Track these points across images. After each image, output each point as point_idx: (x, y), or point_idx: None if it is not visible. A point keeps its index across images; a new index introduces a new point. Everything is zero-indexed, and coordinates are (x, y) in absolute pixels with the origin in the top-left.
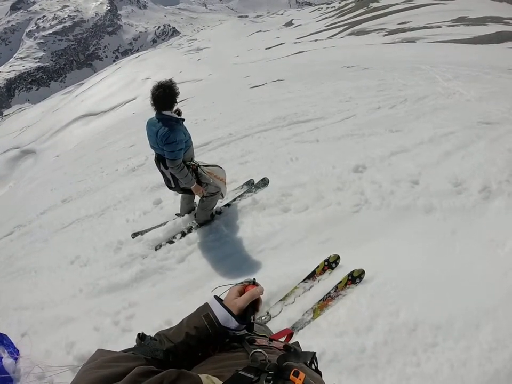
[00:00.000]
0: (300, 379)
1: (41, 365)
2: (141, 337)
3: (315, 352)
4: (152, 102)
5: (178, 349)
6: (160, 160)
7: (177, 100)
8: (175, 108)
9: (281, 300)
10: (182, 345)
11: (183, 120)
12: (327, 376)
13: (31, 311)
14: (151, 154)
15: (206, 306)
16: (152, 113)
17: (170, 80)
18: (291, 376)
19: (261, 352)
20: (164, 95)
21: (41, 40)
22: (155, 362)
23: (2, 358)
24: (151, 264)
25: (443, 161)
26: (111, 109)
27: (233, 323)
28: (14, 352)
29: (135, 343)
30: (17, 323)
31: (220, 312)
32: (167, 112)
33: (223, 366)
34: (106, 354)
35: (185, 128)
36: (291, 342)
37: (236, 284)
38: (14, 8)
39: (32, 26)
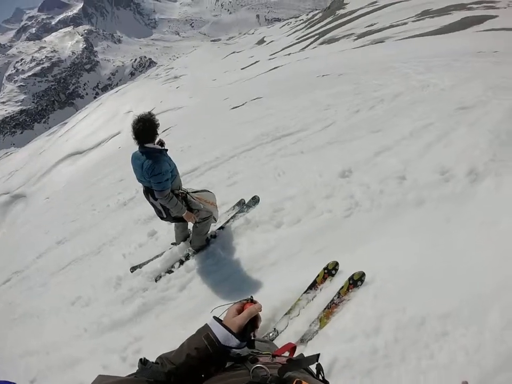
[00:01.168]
0: None
1: None
2: (143, 361)
3: (318, 354)
4: (133, 136)
5: (180, 371)
6: (148, 192)
7: (159, 131)
8: (157, 139)
9: (286, 314)
10: (184, 367)
11: (166, 150)
12: (342, 382)
13: (37, 356)
14: (140, 187)
15: (205, 327)
16: (136, 147)
17: (149, 113)
18: None
19: (262, 367)
20: (144, 128)
21: (21, 83)
22: None
23: None
24: (152, 296)
25: (426, 153)
26: (96, 146)
27: (233, 341)
28: None
29: (138, 368)
30: (25, 370)
31: (219, 332)
32: (149, 145)
33: None
34: (108, 379)
35: (170, 158)
36: (295, 355)
37: (234, 302)
38: None
39: (12, 70)
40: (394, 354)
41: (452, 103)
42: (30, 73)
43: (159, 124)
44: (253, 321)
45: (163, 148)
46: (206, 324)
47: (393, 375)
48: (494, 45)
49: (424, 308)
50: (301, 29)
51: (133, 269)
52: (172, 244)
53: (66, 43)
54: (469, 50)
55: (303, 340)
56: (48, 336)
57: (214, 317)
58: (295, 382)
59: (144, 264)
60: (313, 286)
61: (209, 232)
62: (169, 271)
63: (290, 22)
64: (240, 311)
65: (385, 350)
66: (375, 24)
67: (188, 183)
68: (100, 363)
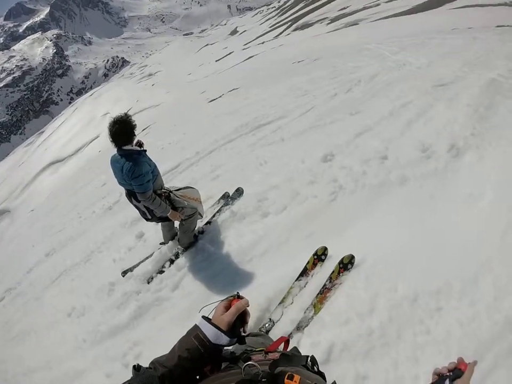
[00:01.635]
0: (295, 381)
1: None
2: (136, 368)
3: (308, 356)
4: (111, 139)
5: (173, 373)
6: (131, 195)
7: (136, 132)
8: (135, 141)
9: (280, 303)
10: (177, 369)
11: (145, 151)
12: (342, 366)
13: (40, 372)
14: (123, 190)
15: (195, 327)
16: (115, 149)
17: (126, 114)
18: (285, 380)
19: (254, 365)
20: (121, 130)
21: None
22: None
23: None
24: (146, 298)
25: (407, 131)
26: (76, 152)
27: (223, 339)
28: None
29: (132, 375)
30: None
31: (209, 330)
32: (127, 147)
33: None
34: None
35: (149, 158)
36: (289, 348)
37: (222, 300)
38: None
39: None
40: (390, 333)
41: (429, 80)
42: (1, 85)
43: (135, 124)
44: (242, 317)
45: (141, 149)
46: (196, 324)
47: (391, 353)
48: (468, 21)
49: (416, 284)
50: (273, 17)
51: (124, 273)
52: (160, 243)
53: (35, 50)
54: (444, 27)
55: (299, 327)
56: (49, 351)
57: (203, 316)
58: (287, 375)
59: (135, 267)
60: (304, 272)
61: (196, 228)
62: (161, 272)
63: (263, 11)
64: (227, 308)
65: (381, 330)
66: (348, 7)
67: (171, 181)
68: (103, 372)
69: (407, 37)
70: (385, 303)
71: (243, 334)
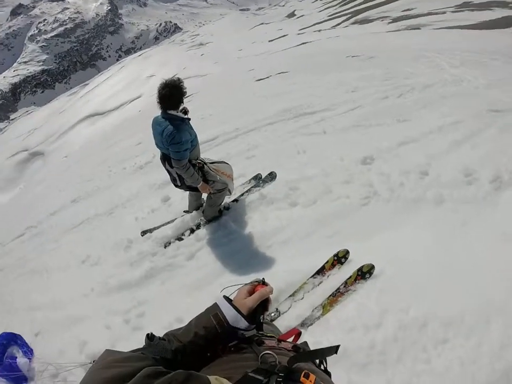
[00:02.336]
0: (311, 381)
1: (54, 363)
2: (150, 337)
3: (338, 346)
4: (158, 101)
5: (187, 349)
6: (165, 159)
7: (184, 99)
8: (181, 107)
9: (290, 296)
10: (191, 345)
11: (189, 119)
12: (337, 372)
13: (44, 311)
14: (158, 152)
15: (215, 306)
16: (158, 110)
17: (178, 79)
18: (301, 378)
19: (271, 353)
20: (170, 94)
21: (43, 44)
22: (163, 362)
23: (16, 357)
24: (160, 261)
25: (452, 151)
26: (116, 108)
27: (242, 323)
28: (28, 352)
29: (144, 343)
30: (30, 323)
31: (229, 312)
32: (172, 112)
33: (232, 367)
34: (115, 354)
35: (191, 127)
36: (300, 341)
37: (246, 283)
38: (14, 13)
39: (34, 30)
40: (391, 353)
41: (485, 103)
42: (52, 34)
43: (186, 91)
44: (264, 304)
45: (186, 116)
46: (216, 302)
47: (387, 373)
48: None
49: (428, 310)
50: (333, 6)
51: (144, 232)
52: (184, 211)
53: (90, 4)
54: (509, 51)
55: (303, 324)
56: (56, 292)
57: (224, 296)
58: (303, 373)
59: (155, 229)
60: (321, 271)
61: (222, 203)
62: (179, 239)
63: None
64: (251, 292)
65: (383, 346)
66: (412, 9)
67: (206, 152)
68: (103, 323)
69: (469, 53)
70: (393, 321)
71: (262, 321)
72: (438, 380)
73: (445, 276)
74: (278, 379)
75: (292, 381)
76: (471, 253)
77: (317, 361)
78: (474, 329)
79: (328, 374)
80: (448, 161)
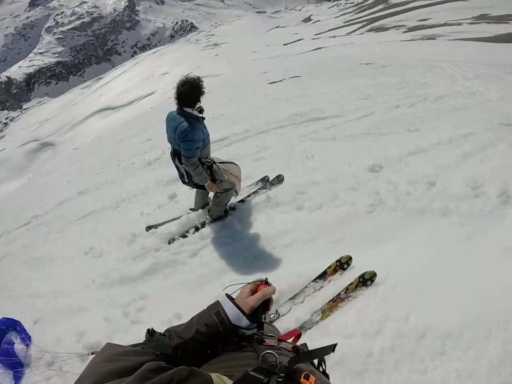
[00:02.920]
0: (311, 382)
1: (51, 352)
2: (151, 332)
3: (335, 344)
4: (175, 96)
5: (187, 345)
6: (176, 155)
7: (202, 99)
8: (197, 105)
9: (290, 298)
10: (192, 342)
11: (204, 118)
12: (332, 378)
13: (44, 299)
14: (167, 148)
15: (217, 304)
16: (171, 107)
17: (198, 78)
18: (302, 379)
19: (272, 353)
20: (189, 92)
21: (60, 36)
22: (164, 357)
23: (14, 343)
24: (163, 257)
25: (461, 163)
26: (129, 103)
27: (244, 322)
28: (26, 339)
29: (145, 338)
30: (31, 310)
31: (231, 311)
32: (188, 109)
33: (233, 365)
34: (116, 348)
35: (205, 126)
36: (299, 343)
37: (248, 282)
38: (32, 4)
39: (51, 22)
40: (388, 362)
41: (496, 116)
42: (69, 27)
43: (204, 91)
44: (265, 304)
45: (201, 115)
46: (218, 300)
47: (383, 382)
48: None
49: (428, 321)
50: (349, 13)
51: (149, 228)
52: (190, 209)
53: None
54: None
55: (302, 328)
56: (58, 282)
57: (227, 295)
58: (303, 374)
59: (160, 225)
60: (323, 276)
61: (229, 203)
62: (184, 236)
63: (340, 4)
64: (253, 291)
65: (380, 355)
66: (428, 19)
67: (214, 152)
68: (102, 315)
69: (484, 65)
70: (392, 330)
71: (263, 320)
72: None
73: (446, 288)
74: (278, 379)
75: (292, 381)
76: (474, 267)
77: (316, 363)
78: (473, 343)
79: (327, 376)
80: (456, 173)
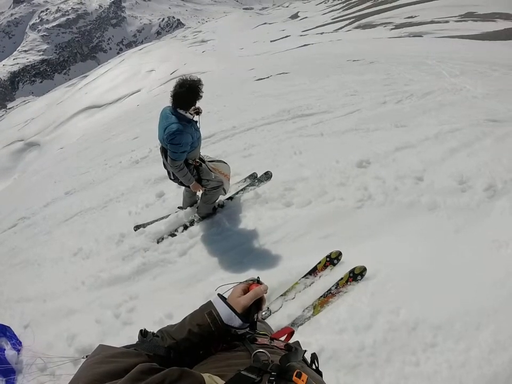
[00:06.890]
0: (303, 380)
1: (43, 356)
2: (143, 333)
3: (305, 351)
4: (171, 94)
5: (180, 346)
6: (164, 152)
7: (197, 102)
8: (192, 108)
9: (281, 295)
10: (184, 342)
11: (196, 122)
12: (325, 373)
13: (34, 303)
14: (155, 147)
15: (209, 304)
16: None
17: (199, 80)
18: (294, 377)
19: (263, 352)
20: (187, 95)
21: (45, 33)
22: (157, 358)
23: (5, 349)
24: (152, 257)
25: (448, 158)
26: (115, 101)
27: (236, 321)
28: (17, 344)
29: (137, 339)
30: (20, 315)
31: (223, 310)
32: (181, 111)
33: (225, 365)
34: (108, 349)
35: (197, 128)
36: (291, 341)
37: (240, 282)
38: (17, 1)
39: (36, 19)
40: (380, 355)
41: (482, 112)
42: (54, 24)
43: (202, 95)
44: (258, 303)
45: (192, 119)
46: (210, 300)
47: (376, 375)
48: None
49: (419, 313)
50: (337, 9)
51: (137, 227)
52: (178, 207)
53: None
54: (509, 62)
55: (294, 324)
56: (47, 285)
57: (219, 294)
58: (295, 373)
59: (148, 224)
60: (313, 272)
61: (217, 201)
62: (172, 235)
63: (328, 1)
64: (245, 291)
65: (372, 348)
66: (415, 16)
67: (202, 149)
68: (93, 317)
69: (470, 62)
70: (384, 324)
71: (256, 320)
72: (426, 382)
73: (436, 281)
74: (270, 378)
75: (284, 379)
76: (462, 259)
77: (309, 360)
78: (463, 333)
79: (320, 373)
80: (443, 168)
